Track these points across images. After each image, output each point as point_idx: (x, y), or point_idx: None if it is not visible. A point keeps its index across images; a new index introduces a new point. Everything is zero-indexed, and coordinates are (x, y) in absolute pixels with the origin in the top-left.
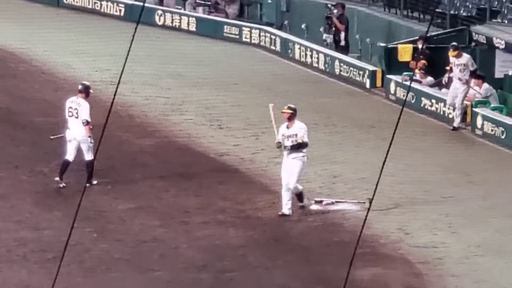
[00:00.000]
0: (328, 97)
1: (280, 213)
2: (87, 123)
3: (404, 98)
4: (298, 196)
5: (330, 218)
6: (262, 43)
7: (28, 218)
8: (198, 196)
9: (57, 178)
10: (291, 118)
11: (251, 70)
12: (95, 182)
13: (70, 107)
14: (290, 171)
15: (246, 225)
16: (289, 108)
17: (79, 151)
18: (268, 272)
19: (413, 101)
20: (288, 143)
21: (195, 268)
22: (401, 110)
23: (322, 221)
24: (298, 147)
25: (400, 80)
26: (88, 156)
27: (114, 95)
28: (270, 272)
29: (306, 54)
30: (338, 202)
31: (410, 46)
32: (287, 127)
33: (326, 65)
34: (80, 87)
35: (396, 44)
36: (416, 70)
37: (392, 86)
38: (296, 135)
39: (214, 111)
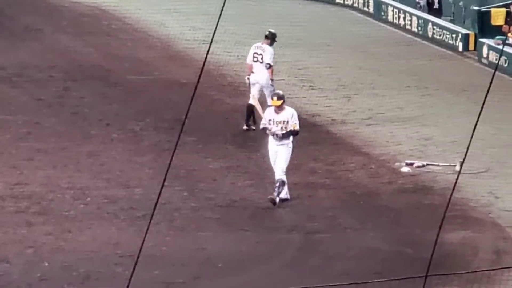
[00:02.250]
0: (420, 60)
1: (269, 197)
2: (270, 66)
3: (497, 61)
4: (279, 186)
5: (420, 180)
6: (355, 5)
7: (118, 176)
8: None
9: (244, 127)
10: (280, 107)
11: (344, 31)
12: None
13: (255, 53)
14: (277, 156)
15: (336, 186)
16: (278, 98)
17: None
18: (357, 233)
19: (505, 65)
20: (278, 129)
21: (285, 229)
22: (493, 74)
23: (412, 184)
24: (290, 135)
25: (492, 44)
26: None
27: (207, 54)
28: (360, 234)
29: (399, 16)
30: (429, 164)
31: (503, 10)
32: (276, 112)
33: (419, 28)
34: (267, 33)
35: (489, 7)
36: (509, 34)
37: (485, 50)
38: (287, 121)
39: (307, 72)
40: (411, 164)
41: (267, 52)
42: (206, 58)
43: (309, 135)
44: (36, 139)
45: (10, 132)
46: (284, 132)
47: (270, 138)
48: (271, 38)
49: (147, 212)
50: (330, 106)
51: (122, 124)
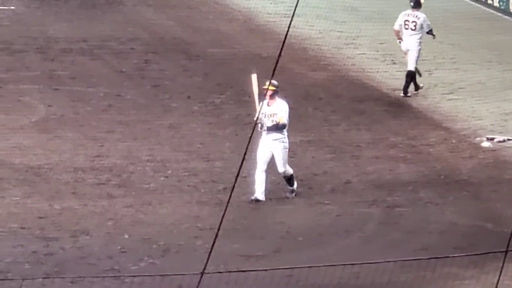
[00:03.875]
0: (501, 35)
1: (252, 197)
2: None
3: None
4: (288, 179)
5: (501, 155)
6: None
7: (199, 149)
8: (369, 131)
9: (401, 94)
10: (273, 96)
11: (424, 6)
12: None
13: (406, 20)
14: (275, 156)
15: (417, 160)
16: (272, 85)
17: None
18: (437, 208)
19: None
20: (268, 122)
21: (365, 203)
22: None
23: (493, 159)
24: (276, 128)
25: None
26: (411, 66)
27: (288, 27)
28: (440, 208)
29: None
30: (510, 139)
31: None
32: (268, 105)
33: (501, 3)
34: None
35: None
36: None
37: None
38: (276, 114)
39: (388, 46)
40: (492, 138)
41: (423, 19)
42: (287, 31)
43: (390, 110)
44: (117, 111)
45: (91, 105)
46: (272, 125)
47: (263, 133)
48: (420, 6)
49: (227, 185)
50: None
51: (203, 97)
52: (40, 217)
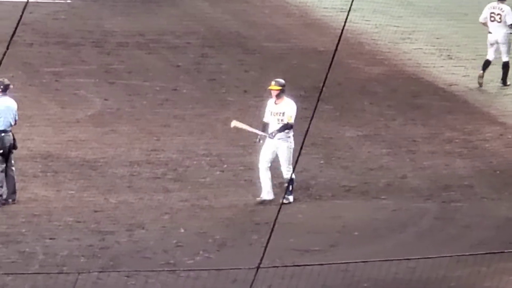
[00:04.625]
0: None
1: (258, 198)
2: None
3: None
4: (289, 182)
5: None
6: None
7: (255, 143)
8: (425, 126)
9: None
10: (279, 95)
11: (481, 1)
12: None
13: (492, 13)
14: (279, 155)
15: (473, 155)
16: (277, 83)
17: None
18: (493, 203)
19: None
20: (274, 120)
21: (421, 198)
22: None
23: None
24: (284, 128)
25: None
26: (505, 58)
27: (345, 22)
28: (496, 204)
29: None
30: None
31: None
32: (275, 103)
33: None
34: None
35: None
36: None
37: None
38: (283, 113)
39: (444, 41)
40: None
41: (507, 12)
42: (344, 26)
43: (446, 105)
44: (173, 105)
45: (147, 99)
46: (277, 129)
47: (271, 130)
48: None
49: (283, 179)
50: (467, 75)
51: (259, 91)
52: (96, 211)
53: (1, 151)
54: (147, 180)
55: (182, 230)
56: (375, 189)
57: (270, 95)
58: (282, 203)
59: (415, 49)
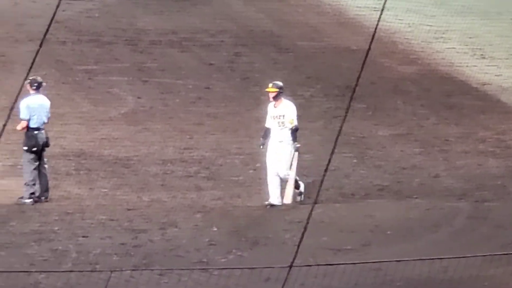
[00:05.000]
0: None
1: (266, 202)
2: None
3: None
4: (298, 186)
5: None
6: None
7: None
8: (458, 125)
9: None
10: (276, 97)
11: None
12: None
13: None
14: (278, 157)
15: (506, 155)
16: (274, 85)
17: None
18: None
19: None
20: (275, 124)
21: (454, 197)
22: None
23: None
24: (293, 132)
25: None
26: None
27: (378, 21)
28: None
29: None
30: None
31: None
32: (274, 106)
33: None
34: None
35: None
36: None
37: None
38: (283, 116)
39: (477, 40)
40: None
41: None
42: (377, 25)
43: (479, 104)
44: (206, 103)
45: (180, 97)
46: (280, 127)
47: (272, 135)
48: None
49: (316, 178)
50: (500, 75)
51: (292, 90)
52: (129, 209)
53: (34, 149)
54: (180, 178)
55: (215, 229)
56: (408, 188)
57: (268, 99)
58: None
59: (448, 48)
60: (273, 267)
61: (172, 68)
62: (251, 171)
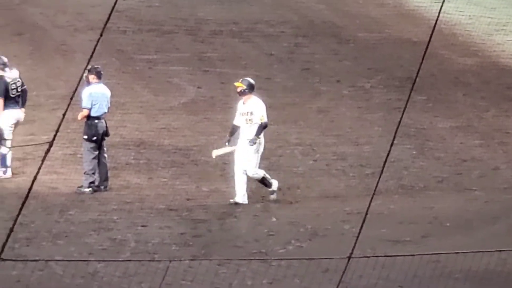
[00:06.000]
0: None
1: (231, 200)
2: None
3: None
4: (262, 183)
5: None
6: None
7: (348, 133)
8: None
9: None
10: (243, 93)
11: None
12: None
13: None
14: (245, 155)
15: None
16: (243, 81)
17: None
18: None
19: None
20: (242, 121)
21: None
22: None
23: None
24: (261, 130)
25: None
26: None
27: (439, 13)
28: None
29: None
30: None
31: None
32: (243, 103)
33: None
34: None
35: None
36: None
37: None
38: (251, 112)
39: None
40: None
41: None
42: (438, 17)
43: None
44: (267, 94)
45: None
46: (247, 123)
47: (240, 133)
48: None
49: (375, 169)
50: None
51: (352, 81)
52: (188, 199)
53: (94, 138)
54: None
55: (274, 219)
56: (467, 180)
57: (237, 95)
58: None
59: (509, 40)
60: (331, 258)
61: (232, 58)
62: (310, 162)
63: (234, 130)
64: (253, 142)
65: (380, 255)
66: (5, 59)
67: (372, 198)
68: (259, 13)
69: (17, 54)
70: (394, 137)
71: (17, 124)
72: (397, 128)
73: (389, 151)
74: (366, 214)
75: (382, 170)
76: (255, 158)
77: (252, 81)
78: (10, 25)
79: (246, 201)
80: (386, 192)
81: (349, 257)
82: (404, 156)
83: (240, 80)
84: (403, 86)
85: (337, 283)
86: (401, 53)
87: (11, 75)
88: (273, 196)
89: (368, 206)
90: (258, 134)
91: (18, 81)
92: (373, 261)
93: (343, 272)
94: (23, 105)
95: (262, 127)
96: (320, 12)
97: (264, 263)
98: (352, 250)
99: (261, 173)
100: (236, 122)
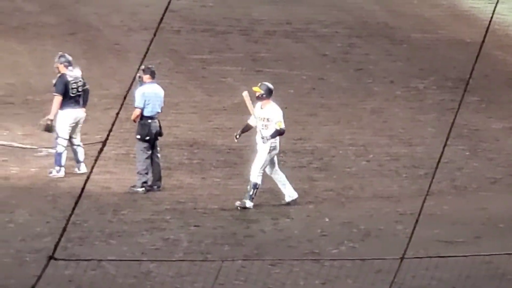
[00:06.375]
0: None
1: (237, 203)
2: None
3: None
4: (250, 189)
5: None
6: None
7: (401, 134)
8: None
9: None
10: (260, 98)
11: None
12: None
13: None
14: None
15: None
16: (261, 86)
17: None
18: None
19: None
20: (259, 125)
21: None
22: None
23: None
24: (277, 134)
25: None
26: None
27: (492, 13)
28: None
29: None
30: None
31: None
32: (261, 107)
33: None
34: None
35: None
36: None
37: None
38: (268, 119)
39: None
40: None
41: None
42: (491, 17)
43: None
44: (320, 94)
45: (294, 87)
46: (264, 129)
47: (257, 137)
48: None
49: (428, 170)
50: None
51: (405, 81)
52: (241, 199)
53: (147, 138)
54: (292, 169)
55: (327, 220)
56: None
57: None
58: (242, 207)
59: None
60: (384, 259)
61: (286, 58)
62: (363, 163)
63: (246, 128)
64: (266, 139)
65: (433, 255)
66: (70, 58)
67: (425, 199)
68: (313, 13)
69: (71, 54)
70: (447, 138)
71: (77, 123)
72: (450, 129)
73: (442, 152)
74: (419, 215)
75: (435, 171)
76: (264, 160)
77: (270, 86)
78: (63, 25)
79: (295, 195)
80: (439, 193)
81: (402, 258)
82: (457, 157)
83: (258, 85)
84: (456, 87)
85: (389, 283)
86: (454, 54)
87: (73, 74)
88: (248, 204)
89: (421, 207)
90: (273, 136)
91: (80, 80)
92: (426, 262)
93: (396, 273)
94: (84, 105)
95: (279, 132)
96: (374, 13)
97: (317, 264)
98: (405, 250)
99: (259, 181)
100: (250, 121)
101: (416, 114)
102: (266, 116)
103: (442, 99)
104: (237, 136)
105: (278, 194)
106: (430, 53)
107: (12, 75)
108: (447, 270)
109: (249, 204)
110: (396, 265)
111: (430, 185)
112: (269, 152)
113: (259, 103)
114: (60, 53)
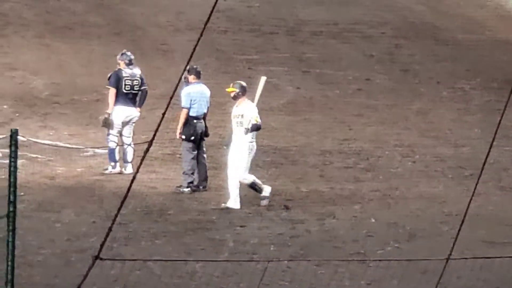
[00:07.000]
0: None
1: (223, 204)
2: None
3: None
4: (253, 188)
5: None
6: None
7: (447, 134)
8: None
9: None
10: (235, 97)
11: None
12: None
13: None
14: (236, 158)
15: None
16: (234, 85)
17: None
18: None
19: None
20: (234, 123)
21: None
22: None
23: None
24: (255, 128)
25: None
26: None
27: None
28: None
29: None
30: None
31: None
32: (236, 106)
33: None
34: None
35: None
36: None
37: None
38: (242, 115)
39: None
40: None
41: None
42: None
43: None
44: (366, 95)
45: (340, 88)
46: (238, 126)
47: (233, 136)
48: None
49: (474, 171)
50: None
51: (452, 82)
52: (287, 199)
53: (193, 138)
54: (338, 169)
55: (373, 220)
56: None
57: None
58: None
59: None
60: (430, 259)
61: (332, 59)
62: (409, 163)
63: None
64: (246, 131)
65: (478, 256)
66: (132, 56)
67: (471, 199)
68: (359, 14)
69: (117, 54)
70: (494, 139)
71: (128, 122)
72: (496, 129)
73: (488, 153)
74: (465, 215)
75: (481, 172)
76: (246, 161)
77: (243, 83)
78: (110, 25)
79: (238, 206)
80: (485, 194)
81: (448, 259)
82: (503, 158)
83: (231, 85)
84: (502, 88)
85: (435, 284)
86: (500, 55)
87: (130, 71)
88: (264, 202)
89: (467, 207)
90: (252, 129)
91: (136, 79)
92: (471, 263)
93: (441, 274)
94: (140, 105)
95: (257, 126)
96: (420, 13)
97: (362, 264)
98: (451, 251)
99: (250, 178)
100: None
101: (462, 115)
102: (241, 113)
103: (488, 100)
104: (226, 147)
105: (324, 195)
106: (476, 54)
107: (58, 75)
108: (493, 271)
109: (265, 202)
110: (441, 266)
111: (476, 186)
112: (249, 153)
113: (235, 104)
114: (124, 50)
